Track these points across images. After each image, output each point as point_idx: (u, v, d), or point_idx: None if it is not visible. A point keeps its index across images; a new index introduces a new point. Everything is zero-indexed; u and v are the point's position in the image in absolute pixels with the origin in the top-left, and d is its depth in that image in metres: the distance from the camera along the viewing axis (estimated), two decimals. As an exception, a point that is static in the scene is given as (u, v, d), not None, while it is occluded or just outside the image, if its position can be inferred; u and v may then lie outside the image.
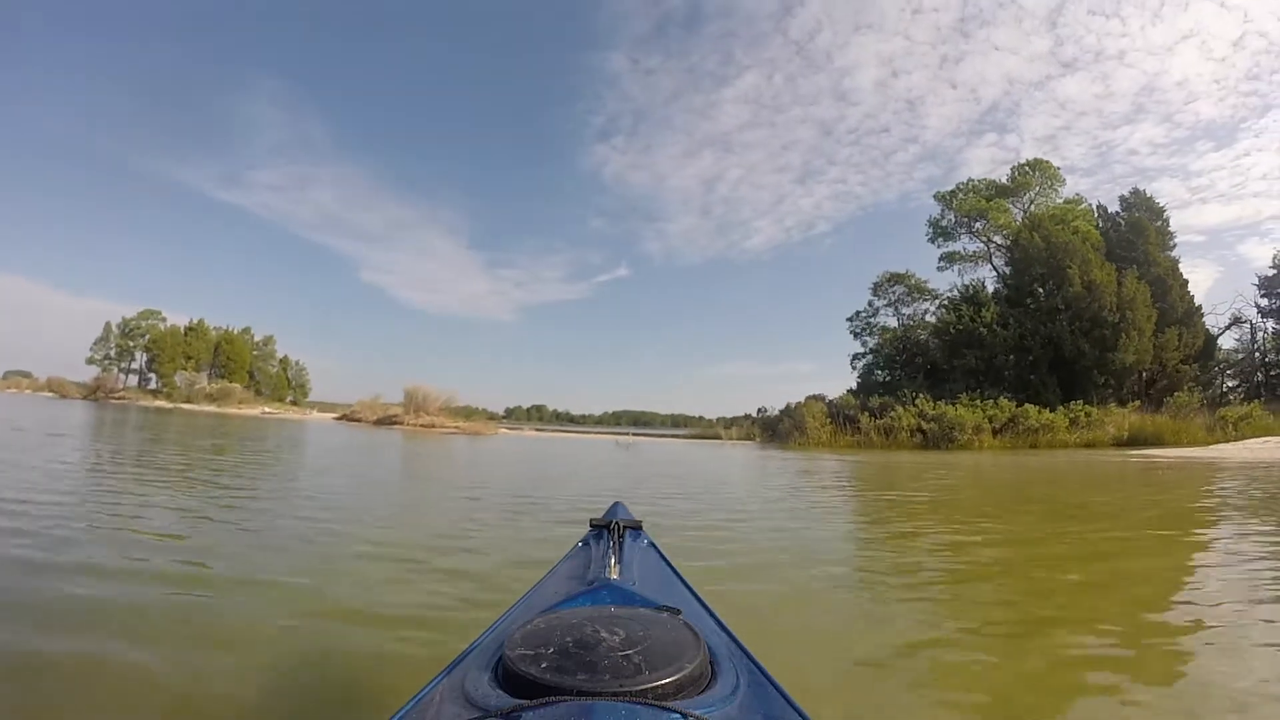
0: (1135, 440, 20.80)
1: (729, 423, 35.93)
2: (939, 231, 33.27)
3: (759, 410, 35.86)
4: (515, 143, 62.51)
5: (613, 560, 1.24)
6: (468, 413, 29.54)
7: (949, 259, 32.57)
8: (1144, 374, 23.29)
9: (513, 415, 72.80)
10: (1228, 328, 24.44)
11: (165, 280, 65.96)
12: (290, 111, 63.32)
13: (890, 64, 49.53)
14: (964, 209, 31.41)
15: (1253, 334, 24.59)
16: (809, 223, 58.65)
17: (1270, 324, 24.31)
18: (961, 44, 47.05)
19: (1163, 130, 39.40)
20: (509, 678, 0.76)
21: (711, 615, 1.08)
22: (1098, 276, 23.91)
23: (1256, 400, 21.01)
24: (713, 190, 58.60)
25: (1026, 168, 30.27)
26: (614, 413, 74.13)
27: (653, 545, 1.44)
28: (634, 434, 35.45)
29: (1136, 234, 25.10)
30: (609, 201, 59.21)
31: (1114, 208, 27.48)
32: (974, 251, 31.94)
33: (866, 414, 27.25)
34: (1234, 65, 39.05)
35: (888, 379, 32.41)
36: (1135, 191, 26.65)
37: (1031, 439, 22.71)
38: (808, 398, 32.63)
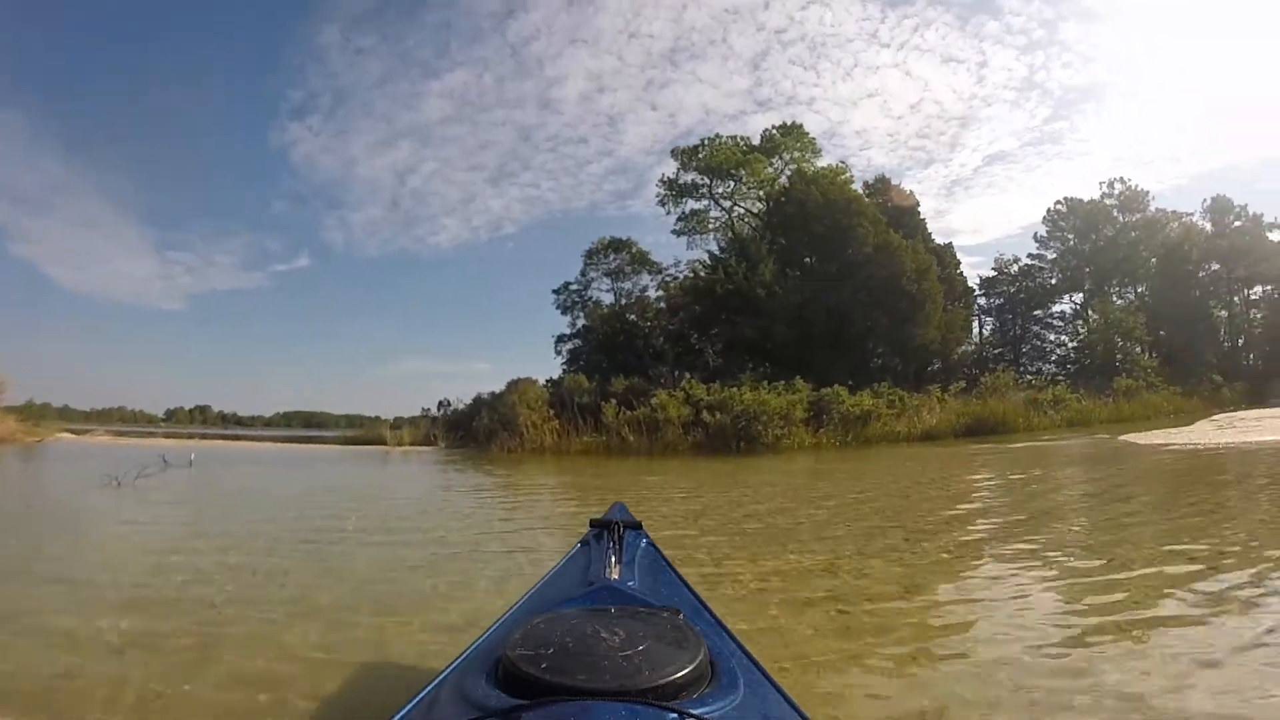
0: (979, 429, 15.87)
1: (399, 423, 23.27)
2: (675, 190, 26.51)
3: (440, 404, 22.81)
4: (201, 108, 52.94)
5: (613, 560, 1.20)
6: (32, 410, 21.89)
7: (690, 220, 25.87)
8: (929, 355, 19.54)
9: (174, 417, 67.55)
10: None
11: None
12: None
13: (598, 80, 50.72)
14: (713, 163, 25.25)
15: (980, 330, 24.48)
16: (497, 223, 57.51)
17: (990, 320, 24.66)
18: (669, 71, 49.14)
19: (835, 170, 45.34)
20: (509, 678, 0.73)
21: (711, 615, 1.04)
22: (891, 239, 19.54)
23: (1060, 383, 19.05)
24: (404, 182, 54.30)
25: (776, 132, 26.11)
26: (286, 414, 66.94)
27: (652, 545, 1.41)
28: (199, 439, 22.96)
29: (900, 211, 22.34)
30: (295, 185, 50.45)
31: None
32: (716, 217, 26.06)
33: (613, 403, 16.96)
34: (908, 124, 46.12)
35: (606, 364, 23.54)
36: (880, 178, 24.74)
37: (861, 433, 15.86)
38: (513, 381, 20.43)
